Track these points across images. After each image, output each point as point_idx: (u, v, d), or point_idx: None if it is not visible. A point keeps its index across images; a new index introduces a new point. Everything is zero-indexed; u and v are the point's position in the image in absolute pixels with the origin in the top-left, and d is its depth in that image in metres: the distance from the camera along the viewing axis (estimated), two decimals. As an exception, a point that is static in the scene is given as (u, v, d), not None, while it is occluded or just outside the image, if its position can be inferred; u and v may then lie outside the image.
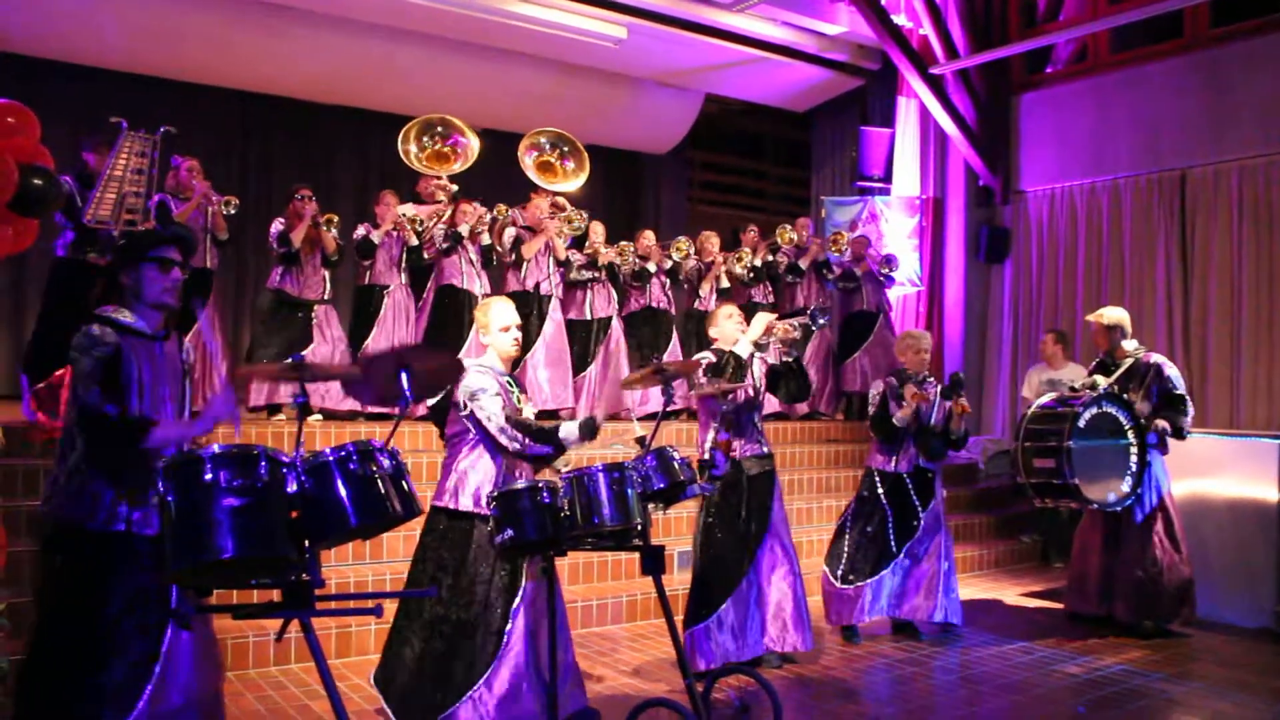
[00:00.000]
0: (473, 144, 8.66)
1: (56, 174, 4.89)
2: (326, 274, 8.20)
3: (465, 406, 4.25)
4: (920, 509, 6.25)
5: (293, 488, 2.73)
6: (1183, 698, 5.23)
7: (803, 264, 10.31)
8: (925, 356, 6.36)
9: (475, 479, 4.25)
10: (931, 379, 6.36)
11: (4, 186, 4.27)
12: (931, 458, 6.30)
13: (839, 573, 6.21)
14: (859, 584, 6.14)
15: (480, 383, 4.25)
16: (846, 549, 6.25)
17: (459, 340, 8.14)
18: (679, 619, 5.08)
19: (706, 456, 5.16)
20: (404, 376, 3.35)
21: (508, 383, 4.39)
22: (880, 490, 6.26)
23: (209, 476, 2.59)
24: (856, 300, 10.46)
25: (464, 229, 8.34)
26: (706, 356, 5.45)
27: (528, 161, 8.74)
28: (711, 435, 5.30)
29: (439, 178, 8.66)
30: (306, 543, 2.74)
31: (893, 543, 6.20)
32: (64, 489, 3.16)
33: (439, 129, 8.68)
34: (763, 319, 5.48)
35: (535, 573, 4.22)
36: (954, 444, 6.37)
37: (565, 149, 8.97)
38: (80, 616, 3.10)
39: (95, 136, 6.49)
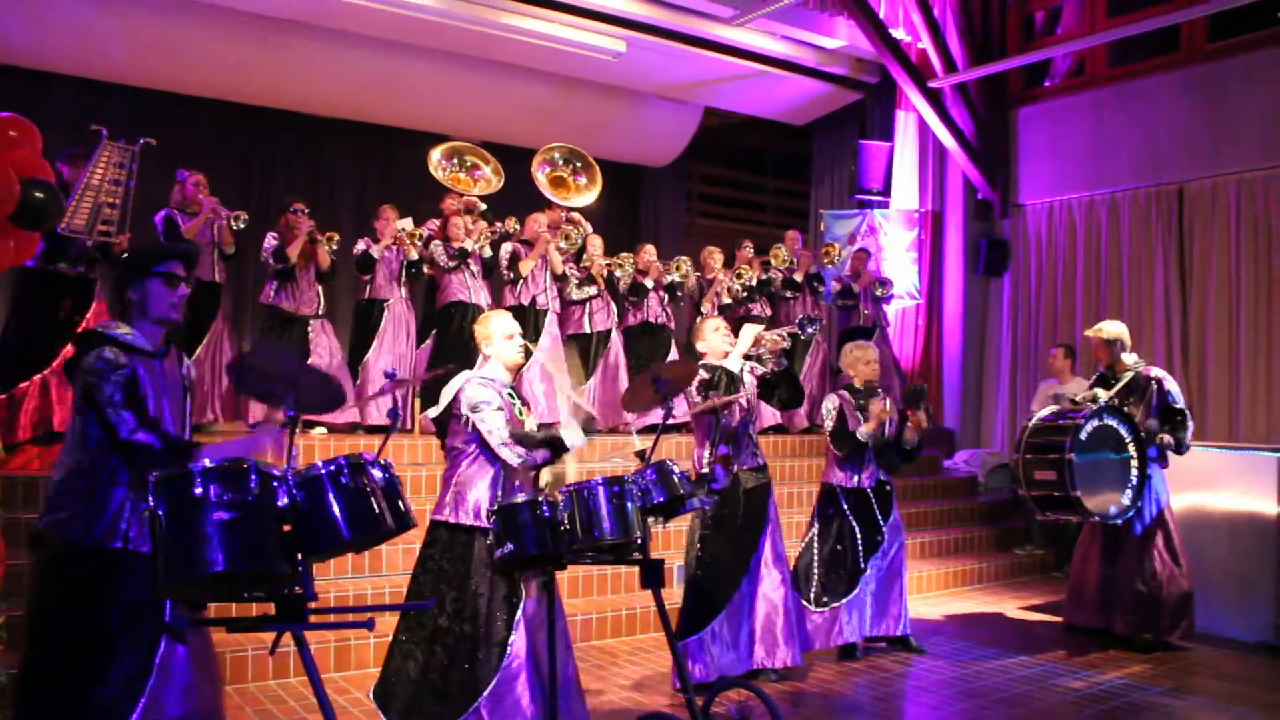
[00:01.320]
0: (493, 181, 8.76)
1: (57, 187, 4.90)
2: (320, 288, 8.21)
3: (467, 419, 4.24)
4: (883, 522, 6.22)
5: (284, 501, 2.72)
6: (1184, 712, 5.22)
7: (797, 277, 10.32)
8: (876, 368, 6.35)
9: (475, 492, 4.23)
10: (880, 390, 6.32)
11: (6, 200, 4.27)
12: (890, 470, 6.30)
13: (811, 595, 6.10)
14: (834, 605, 6.04)
15: (482, 395, 4.23)
16: (816, 570, 6.14)
17: (469, 354, 8.15)
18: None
19: (705, 470, 5.15)
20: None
21: (509, 394, 4.38)
22: (845, 506, 6.19)
23: (199, 491, 2.58)
24: (854, 316, 10.46)
25: (469, 244, 8.35)
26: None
27: (540, 177, 8.79)
28: (709, 450, 5.30)
29: (462, 195, 8.73)
30: (299, 556, 2.74)
31: (861, 559, 6.12)
32: (61, 503, 3.17)
33: (468, 161, 8.80)
34: (750, 330, 5.48)
35: (535, 587, 4.21)
36: (907, 456, 6.36)
37: (578, 164, 9.02)
38: (77, 630, 3.10)
39: (73, 148, 6.43)
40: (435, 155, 8.78)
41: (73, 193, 5.88)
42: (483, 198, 8.89)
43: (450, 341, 8.37)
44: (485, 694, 4.06)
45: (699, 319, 9.88)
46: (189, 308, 7.58)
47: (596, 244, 9.26)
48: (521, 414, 4.40)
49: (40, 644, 3.15)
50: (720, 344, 5.50)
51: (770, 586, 5.43)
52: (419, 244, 8.43)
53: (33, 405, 6.23)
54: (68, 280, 6.34)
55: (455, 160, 8.89)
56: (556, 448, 4.22)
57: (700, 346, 5.60)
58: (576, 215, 9.10)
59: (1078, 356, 9.10)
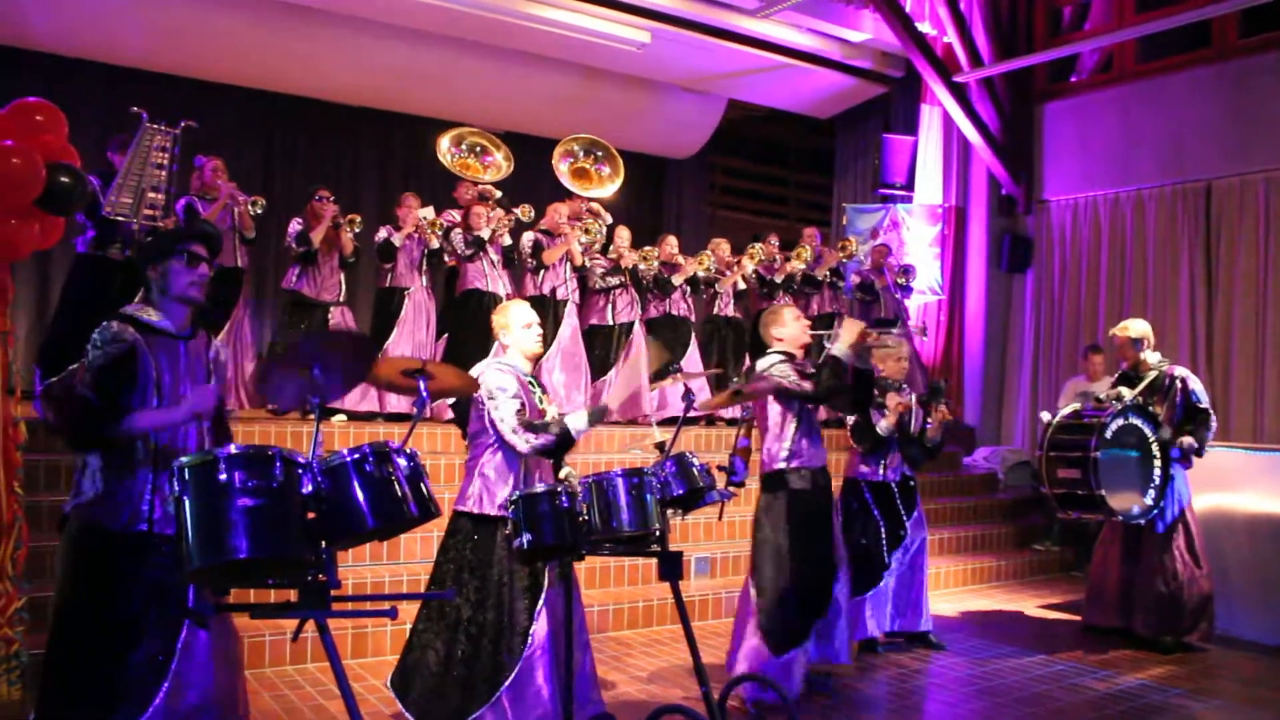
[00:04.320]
0: (504, 167, 8.75)
1: (84, 172, 4.91)
2: (342, 275, 8.23)
3: (484, 406, 4.26)
4: (906, 518, 6.19)
5: (308, 489, 2.72)
6: (1203, 715, 5.17)
7: (819, 275, 10.26)
8: (905, 365, 6.30)
9: (498, 481, 4.24)
10: (906, 386, 6.28)
11: (32, 184, 4.29)
12: (914, 465, 6.28)
13: None
14: (857, 598, 5.92)
15: (500, 382, 4.24)
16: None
17: (485, 343, 8.18)
18: (697, 625, 5.05)
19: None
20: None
21: (530, 382, 4.38)
22: (870, 499, 6.15)
23: (224, 477, 2.58)
24: (875, 309, 10.42)
25: (485, 233, 8.36)
26: (776, 359, 5.06)
27: (563, 169, 8.77)
28: (787, 442, 5.05)
29: (475, 183, 8.73)
30: (323, 543, 2.74)
31: (885, 553, 6.11)
32: (87, 486, 3.19)
33: (477, 146, 8.79)
34: (854, 326, 5.01)
35: (554, 577, 4.22)
36: (929, 452, 6.33)
37: (599, 154, 8.99)
38: (101, 613, 3.12)
39: (121, 136, 6.49)
40: (444, 143, 8.77)
41: (116, 176, 5.92)
42: (497, 184, 8.89)
43: (466, 330, 8.39)
44: (507, 683, 4.08)
45: (730, 311, 9.85)
46: (211, 293, 7.66)
47: (624, 235, 9.24)
48: (542, 402, 4.40)
49: (64, 626, 3.17)
50: (802, 333, 5.17)
51: (842, 585, 5.21)
52: (439, 234, 8.44)
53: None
54: (117, 265, 6.39)
55: (464, 146, 8.87)
56: (562, 433, 4.21)
57: (777, 332, 5.16)
58: (596, 206, 9.08)
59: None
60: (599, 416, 4.25)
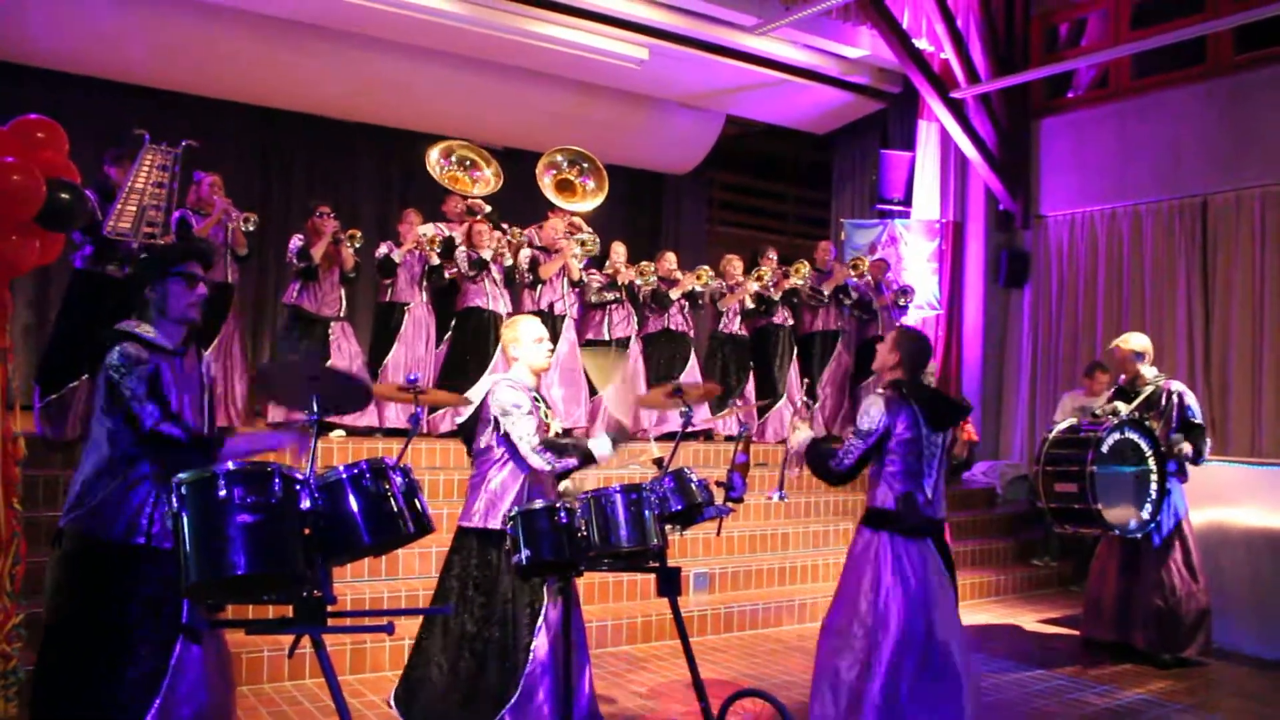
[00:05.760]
0: (492, 181, 8.78)
1: (83, 189, 4.92)
2: (343, 290, 8.24)
3: (498, 423, 4.26)
4: None
5: (306, 505, 2.73)
6: (1202, 729, 5.18)
7: (825, 290, 10.25)
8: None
9: (503, 497, 4.25)
10: None
11: (32, 201, 4.30)
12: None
13: None
14: None
15: (513, 398, 4.24)
16: None
17: (484, 360, 8.19)
18: (696, 640, 5.04)
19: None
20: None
21: (535, 398, 4.39)
22: None
23: (223, 493, 2.59)
24: (872, 326, 10.43)
25: (487, 253, 8.38)
26: None
27: (546, 181, 8.79)
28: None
29: (465, 197, 8.75)
30: (318, 559, 2.75)
31: None
32: (84, 500, 3.19)
33: (467, 160, 8.82)
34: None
35: (553, 593, 4.22)
36: (954, 469, 6.30)
37: (584, 166, 9.00)
38: (95, 627, 3.12)
39: (118, 150, 6.51)
40: (433, 154, 8.81)
41: (117, 196, 5.94)
42: (488, 199, 8.90)
43: (465, 347, 8.41)
44: (511, 701, 4.08)
45: (736, 328, 9.79)
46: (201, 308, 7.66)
47: (620, 251, 9.25)
48: (547, 417, 4.41)
49: (58, 641, 3.16)
50: None
51: None
52: (437, 250, 8.46)
53: (81, 405, 6.30)
54: (115, 283, 6.40)
55: (453, 159, 8.90)
56: (585, 457, 4.23)
57: None
58: (578, 220, 9.09)
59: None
60: (623, 439, 4.27)
